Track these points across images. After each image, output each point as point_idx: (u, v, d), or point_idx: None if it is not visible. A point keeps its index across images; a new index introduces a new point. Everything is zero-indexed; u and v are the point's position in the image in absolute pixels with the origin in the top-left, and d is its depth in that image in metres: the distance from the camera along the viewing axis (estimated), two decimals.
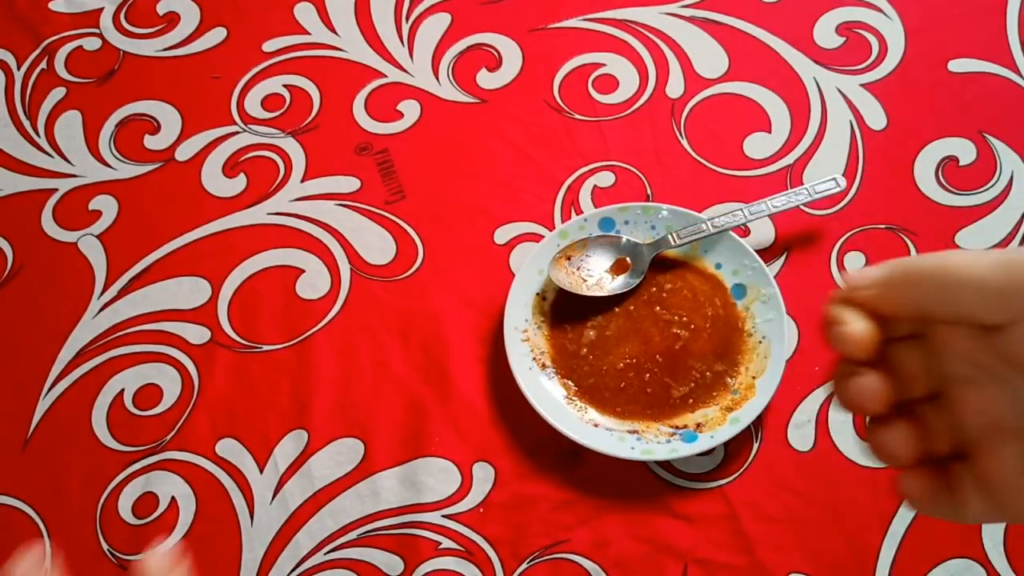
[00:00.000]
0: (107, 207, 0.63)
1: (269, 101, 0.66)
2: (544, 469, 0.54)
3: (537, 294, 0.57)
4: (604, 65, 0.66)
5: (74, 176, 0.65)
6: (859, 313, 0.27)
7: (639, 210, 0.58)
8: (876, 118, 0.63)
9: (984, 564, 0.50)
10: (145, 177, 0.64)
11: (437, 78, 0.67)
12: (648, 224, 0.58)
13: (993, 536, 0.50)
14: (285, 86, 0.67)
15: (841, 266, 0.58)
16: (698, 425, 0.53)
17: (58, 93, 0.68)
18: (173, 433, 0.56)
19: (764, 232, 0.59)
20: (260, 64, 0.68)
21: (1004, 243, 0.58)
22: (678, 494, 0.52)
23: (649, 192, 0.62)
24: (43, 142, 0.66)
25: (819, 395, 0.54)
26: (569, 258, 0.58)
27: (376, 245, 0.61)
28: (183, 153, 0.65)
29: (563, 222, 0.60)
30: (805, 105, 0.64)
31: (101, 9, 0.71)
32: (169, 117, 0.66)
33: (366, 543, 0.52)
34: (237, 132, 0.65)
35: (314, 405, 0.56)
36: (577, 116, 0.64)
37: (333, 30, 0.69)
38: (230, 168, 0.64)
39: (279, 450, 0.55)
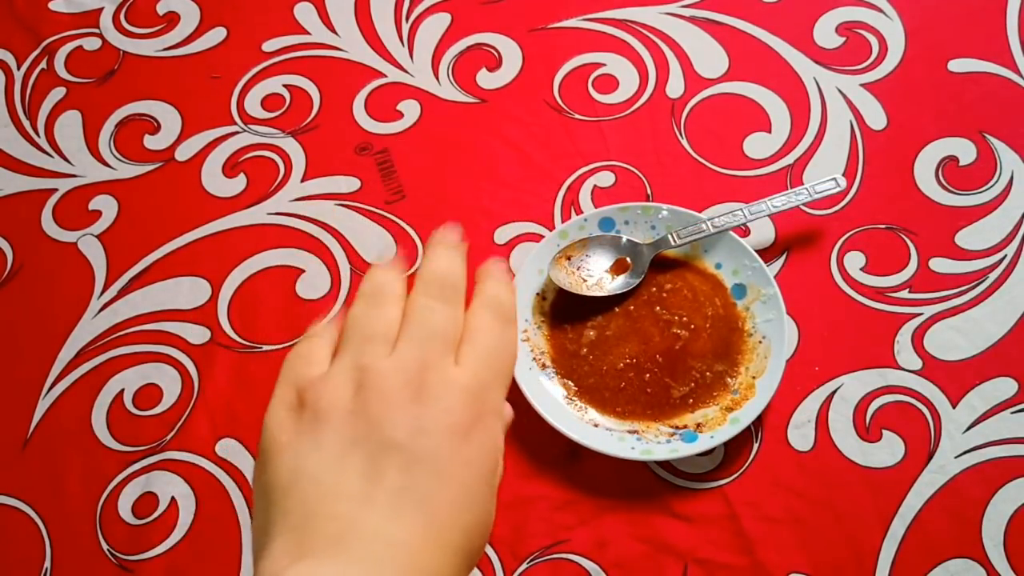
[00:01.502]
0: (107, 207, 0.63)
1: (269, 101, 0.66)
2: (544, 469, 0.54)
3: (537, 294, 0.57)
4: (604, 65, 0.66)
5: (74, 176, 0.65)
6: None
7: (639, 210, 0.58)
8: (876, 118, 0.63)
9: (984, 564, 0.50)
10: (145, 177, 0.64)
11: (437, 78, 0.67)
12: (648, 224, 0.58)
13: (993, 536, 0.50)
14: (285, 86, 0.67)
15: (841, 266, 0.58)
16: (698, 425, 0.53)
17: (58, 93, 0.68)
18: (173, 433, 0.56)
19: (764, 232, 0.59)
20: (260, 64, 0.68)
21: (1004, 243, 0.58)
22: (678, 494, 0.52)
23: (649, 192, 0.62)
24: (43, 142, 0.66)
25: (819, 395, 0.54)
26: (569, 258, 0.58)
27: (376, 245, 0.61)
28: (183, 153, 0.65)
29: (563, 222, 0.60)
30: (805, 105, 0.64)
31: (101, 9, 0.71)
32: (169, 117, 0.66)
33: None
34: (237, 132, 0.65)
35: None
36: (577, 116, 0.64)
37: (333, 30, 0.69)
38: (230, 168, 0.64)
39: None
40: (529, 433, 0.54)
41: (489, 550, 0.52)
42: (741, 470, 0.53)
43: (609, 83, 0.65)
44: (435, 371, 0.30)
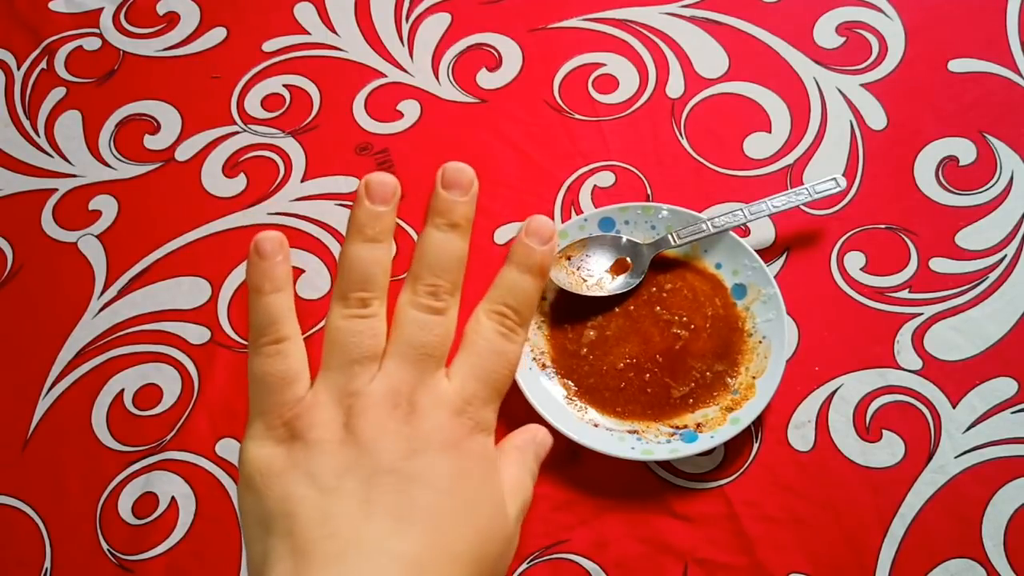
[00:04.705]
0: (107, 207, 0.63)
1: (269, 101, 0.66)
2: (544, 469, 0.53)
3: None
4: (604, 65, 0.66)
5: (74, 176, 0.65)
6: None
7: (639, 210, 0.58)
8: (876, 118, 0.63)
9: (984, 564, 0.50)
10: (145, 177, 0.64)
11: (437, 78, 0.67)
12: (648, 224, 0.58)
13: (993, 536, 0.50)
14: (285, 86, 0.67)
15: (841, 266, 0.58)
16: (698, 425, 0.53)
17: (58, 93, 0.68)
18: (173, 433, 0.56)
19: (764, 232, 0.59)
20: (260, 64, 0.68)
21: (1004, 243, 0.58)
22: (678, 494, 0.52)
23: (649, 192, 0.62)
24: (43, 142, 0.66)
25: (819, 395, 0.54)
26: (569, 258, 0.58)
27: None
28: (183, 153, 0.65)
29: (563, 222, 0.60)
30: (805, 105, 0.64)
31: (101, 9, 0.71)
32: (169, 117, 0.66)
33: None
34: (237, 132, 0.65)
35: None
36: (577, 116, 0.64)
37: (333, 30, 0.69)
38: (230, 168, 0.64)
39: None
40: None
41: None
42: (741, 470, 0.53)
43: (609, 83, 0.65)
44: (424, 390, 0.30)
